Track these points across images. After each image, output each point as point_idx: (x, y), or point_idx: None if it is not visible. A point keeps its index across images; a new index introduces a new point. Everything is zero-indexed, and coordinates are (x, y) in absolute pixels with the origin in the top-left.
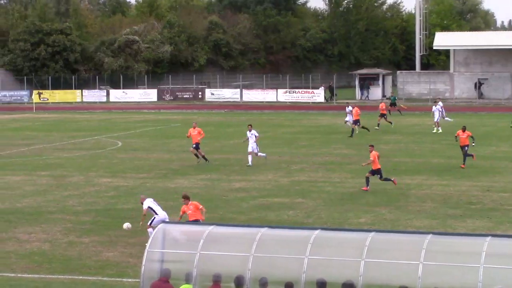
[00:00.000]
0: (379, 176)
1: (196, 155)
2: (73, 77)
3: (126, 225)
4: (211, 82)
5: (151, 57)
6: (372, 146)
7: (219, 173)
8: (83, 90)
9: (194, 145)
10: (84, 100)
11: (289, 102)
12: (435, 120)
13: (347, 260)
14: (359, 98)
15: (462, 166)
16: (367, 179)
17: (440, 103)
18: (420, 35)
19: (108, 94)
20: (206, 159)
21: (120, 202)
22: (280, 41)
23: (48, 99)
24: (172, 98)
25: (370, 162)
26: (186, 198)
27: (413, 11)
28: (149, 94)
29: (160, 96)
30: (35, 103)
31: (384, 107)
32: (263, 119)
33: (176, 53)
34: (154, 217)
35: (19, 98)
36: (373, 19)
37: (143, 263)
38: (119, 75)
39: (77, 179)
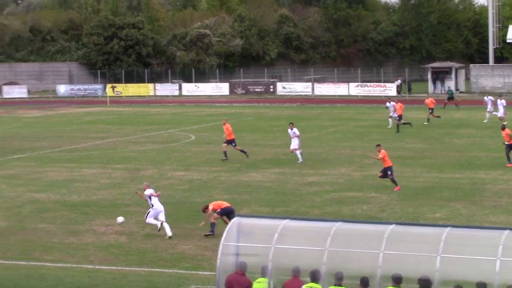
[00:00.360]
0: (389, 173)
1: (225, 152)
2: (145, 70)
3: (120, 219)
4: (282, 75)
5: (222, 50)
6: (379, 145)
7: (291, 167)
8: (156, 84)
9: (232, 142)
10: (157, 93)
11: (361, 95)
12: (500, 115)
13: (423, 255)
14: (432, 91)
15: (508, 165)
16: (383, 177)
17: (491, 97)
18: (493, 28)
19: (180, 88)
20: (245, 152)
21: (194, 195)
22: (350, 34)
23: (121, 93)
24: (243, 92)
25: (379, 158)
26: (206, 208)
27: (485, 4)
28: (221, 88)
29: (231, 90)
30: (109, 96)
31: (433, 101)
32: (334, 112)
33: (247, 47)
34: (150, 210)
35: (93, 91)
36: (445, 12)
37: (219, 256)
38: (191, 68)
39: (151, 172)
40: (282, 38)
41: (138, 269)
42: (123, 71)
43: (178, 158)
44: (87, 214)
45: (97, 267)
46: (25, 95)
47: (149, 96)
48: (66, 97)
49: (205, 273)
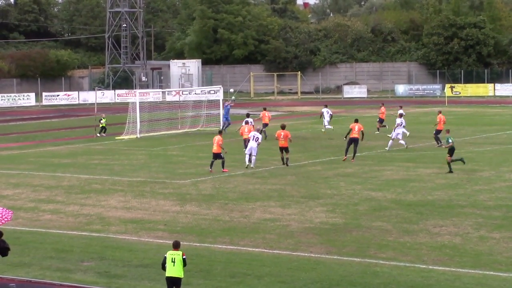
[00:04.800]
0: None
1: None
2: (485, 70)
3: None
4: None
5: None
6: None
7: None
8: (495, 84)
9: None
10: (496, 94)
11: None
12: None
13: None
14: None
15: None
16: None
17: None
18: None
19: None
20: None
21: None
22: None
23: (460, 93)
24: None
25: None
26: None
27: None
28: None
29: None
30: (447, 96)
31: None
32: None
33: None
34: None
35: (431, 91)
36: None
37: None
38: None
39: (488, 173)
40: None
41: (472, 271)
42: (462, 71)
43: None
44: (422, 214)
45: (430, 267)
46: (364, 95)
47: (488, 96)
48: (405, 96)
49: None
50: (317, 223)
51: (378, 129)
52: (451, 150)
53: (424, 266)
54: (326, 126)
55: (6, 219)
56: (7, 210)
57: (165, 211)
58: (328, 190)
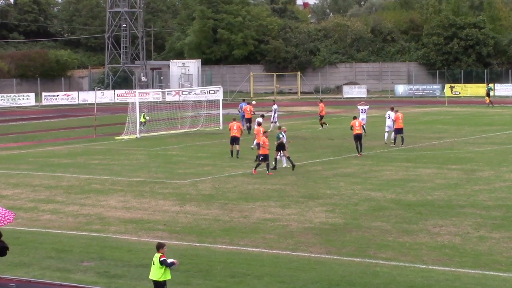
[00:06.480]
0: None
1: None
2: (485, 71)
3: None
4: None
5: None
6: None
7: None
8: (495, 84)
9: None
10: (496, 94)
11: None
12: None
13: None
14: None
15: None
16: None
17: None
18: None
19: None
20: None
21: None
22: None
23: (459, 93)
24: None
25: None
26: None
27: None
28: None
29: None
30: (447, 96)
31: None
32: None
33: None
34: None
35: (431, 91)
36: None
37: None
38: None
39: (488, 173)
40: None
41: (472, 271)
42: (461, 71)
43: None
44: (421, 214)
45: (430, 267)
46: (364, 95)
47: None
48: (404, 97)
49: None
50: (316, 223)
51: (321, 125)
52: (280, 146)
53: (424, 266)
54: (275, 123)
55: (8, 221)
56: (10, 212)
57: (165, 211)
58: (327, 190)
